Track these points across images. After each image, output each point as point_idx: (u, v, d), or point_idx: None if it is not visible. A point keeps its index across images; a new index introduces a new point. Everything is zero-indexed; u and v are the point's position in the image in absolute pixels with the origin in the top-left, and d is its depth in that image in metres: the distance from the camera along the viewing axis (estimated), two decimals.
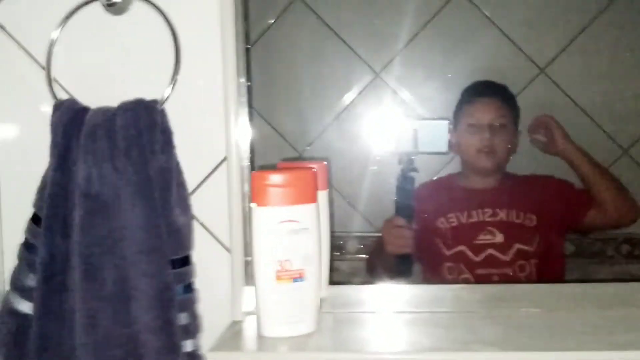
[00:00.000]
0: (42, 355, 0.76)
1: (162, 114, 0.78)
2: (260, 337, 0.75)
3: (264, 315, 0.75)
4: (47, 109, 0.80)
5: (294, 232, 0.74)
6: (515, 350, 0.70)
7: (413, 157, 1.40)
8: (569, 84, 1.81)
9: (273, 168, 0.84)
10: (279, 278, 0.74)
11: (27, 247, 0.79)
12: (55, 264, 0.76)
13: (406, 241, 1.44)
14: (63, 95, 0.82)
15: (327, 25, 1.83)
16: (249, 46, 0.85)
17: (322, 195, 0.84)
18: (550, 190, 1.58)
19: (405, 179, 1.41)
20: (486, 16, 1.79)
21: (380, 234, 1.64)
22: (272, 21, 1.84)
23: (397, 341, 0.77)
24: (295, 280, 0.74)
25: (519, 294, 0.88)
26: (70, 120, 0.77)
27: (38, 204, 0.79)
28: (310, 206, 0.75)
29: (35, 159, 0.80)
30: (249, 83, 0.85)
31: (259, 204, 0.74)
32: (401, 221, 1.44)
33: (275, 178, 0.74)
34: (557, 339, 0.73)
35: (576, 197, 1.55)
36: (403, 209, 1.45)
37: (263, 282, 0.75)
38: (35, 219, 0.79)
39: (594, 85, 1.81)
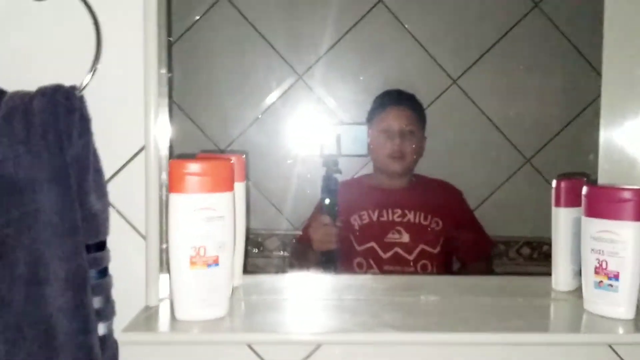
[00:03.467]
0: None
1: (81, 100, 0.78)
2: (174, 320, 0.78)
3: (177, 299, 0.78)
4: None
5: (209, 219, 0.77)
6: (411, 332, 0.75)
7: (337, 159, 1.46)
8: (478, 95, 1.92)
9: (192, 158, 0.86)
10: (193, 264, 0.77)
11: None
12: None
13: (332, 238, 1.50)
14: None
15: (252, 25, 1.86)
16: (171, 39, 0.87)
17: (240, 187, 0.88)
18: (454, 197, 1.70)
19: (330, 180, 1.47)
20: (405, 27, 1.88)
21: (300, 233, 1.70)
22: (198, 18, 1.85)
23: (305, 324, 0.81)
24: (210, 266, 0.77)
25: (420, 283, 0.94)
26: None
27: None
28: (227, 195, 0.79)
29: None
30: (170, 74, 0.87)
31: (176, 192, 0.77)
32: (328, 219, 1.49)
33: (193, 166, 0.76)
34: (450, 322, 0.80)
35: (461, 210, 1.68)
36: (328, 208, 1.51)
37: (178, 268, 0.77)
38: None
39: (501, 98, 1.93)
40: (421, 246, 1.58)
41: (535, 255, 1.95)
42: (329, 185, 1.48)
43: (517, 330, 0.77)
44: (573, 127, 1.91)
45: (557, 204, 0.91)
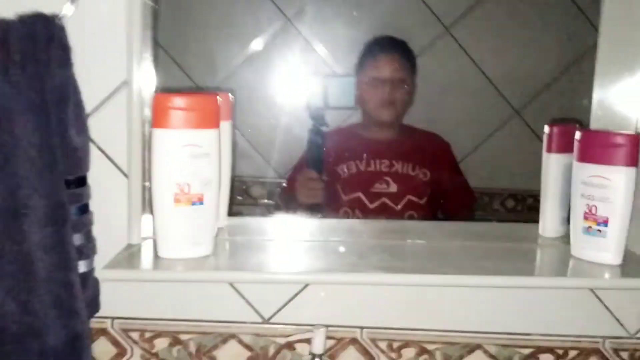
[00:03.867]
0: None
1: (62, 29, 0.75)
2: (157, 258, 0.76)
3: (161, 237, 0.76)
4: None
5: (194, 156, 0.75)
6: (398, 273, 0.75)
7: (323, 113, 1.44)
8: (471, 45, 1.89)
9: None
10: (177, 201, 0.75)
11: None
12: None
13: (318, 192, 1.49)
14: None
15: None
16: None
17: (226, 125, 0.85)
18: (442, 149, 1.68)
19: (316, 133, 1.45)
20: None
21: (284, 181, 1.68)
22: None
23: (292, 264, 0.80)
24: (194, 204, 0.76)
25: (406, 228, 0.93)
26: None
27: None
28: (213, 132, 0.76)
29: None
30: (155, 6, 0.83)
31: (161, 127, 0.74)
32: (313, 174, 1.47)
33: (178, 101, 0.74)
34: (437, 264, 0.79)
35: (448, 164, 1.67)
36: (314, 162, 1.49)
37: (161, 205, 0.75)
38: None
39: (494, 49, 1.90)
40: (408, 196, 1.57)
41: (519, 208, 1.96)
42: (316, 139, 1.46)
43: (503, 273, 0.77)
44: (565, 81, 1.89)
45: (549, 150, 0.90)
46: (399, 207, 1.56)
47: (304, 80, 1.74)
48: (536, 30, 1.87)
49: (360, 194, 1.57)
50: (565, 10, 1.84)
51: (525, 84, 1.92)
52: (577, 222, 0.82)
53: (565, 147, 0.88)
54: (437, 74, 1.87)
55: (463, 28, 1.87)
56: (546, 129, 0.91)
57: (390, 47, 1.68)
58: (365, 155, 1.60)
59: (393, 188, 1.57)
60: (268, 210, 1.87)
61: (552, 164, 0.90)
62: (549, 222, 0.92)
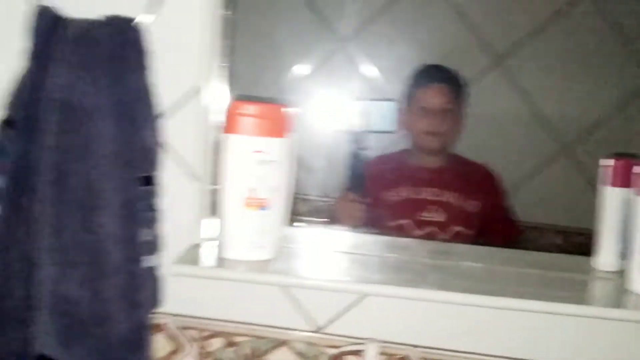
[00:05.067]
0: (5, 255, 0.77)
1: (142, 33, 0.79)
2: (221, 259, 0.79)
3: (227, 237, 0.78)
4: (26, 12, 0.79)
5: (264, 162, 0.77)
6: (455, 291, 0.75)
7: (364, 135, 1.46)
8: (524, 78, 1.89)
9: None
10: (247, 205, 0.77)
11: None
12: (26, 167, 0.77)
13: (357, 215, 1.50)
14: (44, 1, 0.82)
15: None
16: None
17: (293, 136, 0.88)
18: (491, 181, 1.68)
19: (356, 156, 1.47)
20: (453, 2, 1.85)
21: (327, 199, 1.70)
22: None
23: (350, 275, 0.82)
24: (262, 208, 0.78)
25: (462, 251, 0.94)
26: (49, 26, 0.77)
27: (12, 107, 0.79)
28: (281, 140, 0.79)
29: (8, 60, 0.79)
30: (232, 15, 0.86)
31: (232, 132, 0.77)
32: (353, 197, 1.49)
33: (250, 108, 0.77)
34: (495, 286, 0.80)
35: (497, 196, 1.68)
36: (354, 185, 1.50)
37: (231, 207, 0.78)
38: (7, 122, 0.79)
39: (548, 84, 1.90)
40: (456, 226, 1.57)
41: (567, 245, 1.93)
42: (356, 162, 1.48)
43: (558, 300, 0.77)
44: (618, 119, 1.87)
45: (608, 183, 0.90)
46: (447, 235, 1.56)
47: (348, 103, 1.76)
48: (591, 66, 1.86)
49: (407, 221, 1.57)
50: (621, 48, 1.84)
51: (578, 121, 1.91)
52: (636, 257, 0.82)
53: (624, 181, 0.88)
54: (488, 104, 1.87)
55: (516, 59, 1.88)
56: (605, 162, 0.91)
57: (440, 76, 1.69)
58: (413, 182, 1.61)
59: (441, 217, 1.57)
60: (318, 226, 1.88)
61: (610, 197, 0.90)
62: (603, 255, 0.91)
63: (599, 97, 1.89)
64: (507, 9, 1.87)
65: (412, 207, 1.58)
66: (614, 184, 0.90)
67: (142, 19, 0.77)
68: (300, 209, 1.88)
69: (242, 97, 0.87)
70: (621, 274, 0.86)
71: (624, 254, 0.88)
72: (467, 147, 1.70)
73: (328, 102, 1.85)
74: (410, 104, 1.63)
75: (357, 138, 1.47)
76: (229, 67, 0.89)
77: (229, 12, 0.86)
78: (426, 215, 1.56)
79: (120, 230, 0.76)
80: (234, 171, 0.78)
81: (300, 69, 1.88)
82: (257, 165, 0.77)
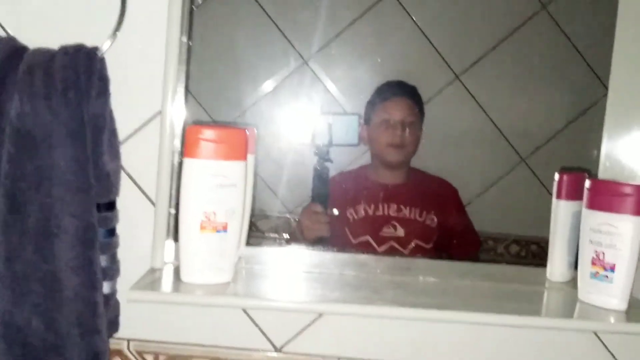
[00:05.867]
0: None
1: (102, 61, 0.79)
2: (179, 282, 0.79)
3: (185, 261, 0.79)
4: None
5: (221, 186, 0.78)
6: (412, 307, 0.77)
7: (328, 148, 1.48)
8: (479, 92, 1.94)
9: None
10: (203, 228, 0.78)
11: None
12: None
13: (322, 226, 1.51)
14: (1, 34, 0.82)
15: (264, 9, 1.86)
16: (194, 6, 0.88)
17: (250, 158, 0.89)
18: (450, 195, 1.72)
19: (321, 169, 1.49)
20: (412, 19, 1.89)
21: (291, 215, 1.71)
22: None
23: (307, 294, 0.83)
24: (219, 231, 0.79)
25: (418, 265, 0.96)
26: (8, 57, 0.78)
27: None
28: (240, 163, 0.80)
29: None
30: (190, 43, 0.88)
31: (191, 157, 0.78)
32: (317, 208, 1.51)
33: (209, 133, 0.78)
34: (449, 301, 0.82)
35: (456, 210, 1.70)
36: (319, 197, 1.52)
37: (187, 231, 0.78)
38: None
39: (502, 97, 1.95)
40: (415, 241, 1.60)
41: (523, 253, 1.98)
42: (320, 174, 1.50)
43: (512, 313, 0.80)
44: (571, 132, 1.93)
45: (559, 196, 0.93)
46: (407, 251, 1.59)
47: (311, 118, 1.79)
48: (545, 81, 1.92)
49: (368, 237, 1.59)
50: (574, 63, 1.90)
51: (532, 133, 1.97)
52: (585, 268, 0.85)
53: (574, 194, 0.92)
54: (446, 119, 1.92)
55: (473, 76, 1.93)
56: (557, 176, 0.95)
57: (401, 91, 1.74)
58: (373, 199, 1.63)
59: (401, 232, 1.60)
60: (278, 244, 1.89)
61: (562, 210, 0.94)
62: (556, 266, 0.95)
63: (554, 109, 1.96)
64: (464, 27, 1.92)
65: (373, 223, 1.60)
66: (565, 197, 0.94)
67: (101, 46, 0.78)
68: (262, 227, 1.90)
69: (199, 122, 0.88)
70: (573, 284, 0.90)
71: (575, 264, 0.91)
72: (428, 161, 1.74)
73: (292, 117, 1.88)
74: (372, 118, 1.67)
75: (321, 152, 1.50)
76: (187, 92, 0.90)
77: (186, 38, 0.87)
78: (386, 231, 1.59)
79: (76, 257, 0.75)
80: (192, 195, 0.78)
81: (263, 88, 1.89)
82: (215, 189, 0.78)
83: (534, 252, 1.91)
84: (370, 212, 1.62)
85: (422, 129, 1.71)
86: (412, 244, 1.59)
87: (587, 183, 0.85)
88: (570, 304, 0.86)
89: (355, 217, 1.62)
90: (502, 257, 1.96)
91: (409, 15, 1.89)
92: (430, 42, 1.90)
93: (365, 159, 1.73)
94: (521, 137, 1.94)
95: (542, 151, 1.93)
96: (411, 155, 1.68)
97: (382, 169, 1.67)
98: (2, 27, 0.83)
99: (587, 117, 1.88)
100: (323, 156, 1.49)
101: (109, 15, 0.81)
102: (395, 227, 1.60)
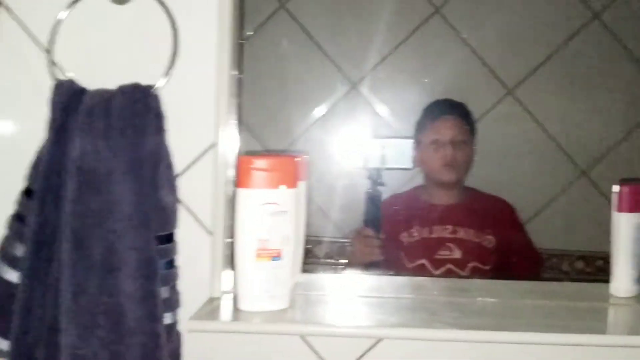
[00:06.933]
0: (25, 321, 0.80)
1: (157, 98, 0.83)
2: (237, 311, 0.81)
3: (242, 290, 0.81)
4: (47, 89, 0.83)
5: (275, 213, 0.80)
6: (470, 329, 0.76)
7: (381, 172, 1.48)
8: (534, 106, 1.91)
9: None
10: (259, 256, 0.80)
11: (18, 219, 0.83)
12: (45, 234, 0.80)
13: (374, 250, 1.51)
14: (62, 77, 0.87)
15: (309, 35, 1.89)
16: (242, 41, 0.91)
17: (302, 185, 0.90)
18: (507, 214, 1.68)
19: (373, 193, 1.49)
20: (460, 37, 1.89)
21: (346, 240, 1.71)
22: (251, 33, 1.89)
23: (366, 319, 0.83)
24: (274, 259, 0.80)
25: (478, 287, 0.94)
26: (69, 99, 0.82)
27: (31, 177, 0.83)
28: (291, 191, 0.81)
29: (31, 136, 0.84)
30: (240, 75, 0.90)
31: (243, 186, 0.80)
32: (369, 232, 1.50)
33: (260, 162, 0.80)
34: (508, 322, 0.80)
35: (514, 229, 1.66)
36: (371, 221, 1.52)
37: (243, 259, 0.80)
38: (27, 192, 0.83)
39: (557, 110, 1.91)
40: (473, 263, 1.57)
41: (589, 269, 1.92)
42: (372, 199, 1.50)
43: (577, 332, 0.77)
44: (630, 142, 1.87)
45: (619, 209, 0.91)
46: (464, 273, 1.56)
47: (363, 142, 1.80)
48: (601, 90, 1.87)
49: (424, 261, 1.57)
50: (630, 71, 1.85)
51: (591, 145, 1.91)
52: None
53: (635, 206, 0.89)
54: (501, 135, 1.89)
55: (527, 90, 1.90)
56: (615, 188, 0.92)
57: (450, 109, 1.72)
58: (428, 221, 1.61)
59: (457, 254, 1.57)
60: (333, 269, 1.89)
61: (623, 223, 0.91)
62: (620, 281, 0.92)
63: (612, 119, 1.90)
64: (515, 38, 1.90)
65: (428, 246, 1.58)
66: (625, 210, 0.91)
67: (155, 83, 0.81)
68: (316, 252, 1.91)
69: (251, 152, 0.91)
70: (639, 299, 0.86)
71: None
72: (483, 179, 1.72)
73: (343, 142, 1.89)
74: (422, 139, 1.66)
75: (374, 176, 1.50)
76: (240, 123, 0.92)
77: (236, 72, 0.89)
78: (442, 254, 1.57)
79: (139, 289, 0.78)
80: (245, 224, 0.80)
81: (313, 114, 1.92)
82: (268, 217, 0.80)
83: (600, 267, 1.84)
84: (425, 234, 1.60)
85: (474, 146, 1.68)
86: (470, 266, 1.56)
87: None
88: (636, 320, 0.83)
89: (410, 240, 1.61)
90: (568, 274, 1.90)
91: (457, 32, 1.89)
92: (480, 58, 1.88)
93: (418, 180, 1.72)
94: (580, 149, 1.90)
95: (602, 163, 1.88)
96: (465, 174, 1.66)
97: (436, 190, 1.65)
98: (62, 71, 0.87)
99: None
100: (375, 180, 1.49)
101: (162, 54, 0.84)
102: (451, 250, 1.57)
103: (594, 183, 1.90)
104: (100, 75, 0.85)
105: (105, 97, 0.81)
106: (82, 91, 0.83)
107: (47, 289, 0.80)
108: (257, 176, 0.80)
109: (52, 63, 0.85)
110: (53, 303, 0.79)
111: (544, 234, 1.77)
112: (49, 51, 0.85)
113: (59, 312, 0.78)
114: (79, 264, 0.78)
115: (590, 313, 0.86)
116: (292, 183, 0.81)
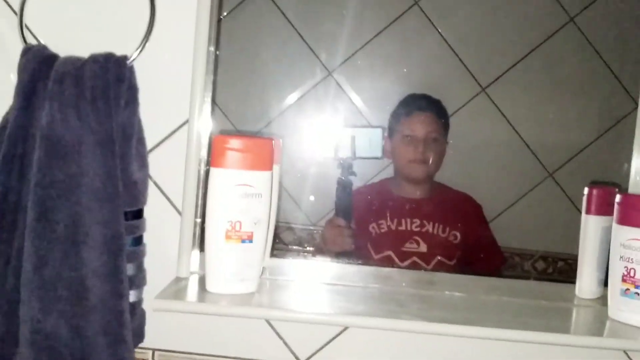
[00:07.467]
0: None
1: (131, 70, 0.80)
2: (204, 292, 0.79)
3: (210, 271, 0.79)
4: (16, 53, 0.80)
5: (247, 195, 0.78)
6: (438, 322, 0.76)
7: (352, 161, 1.47)
8: (506, 105, 1.92)
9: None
10: (228, 237, 0.78)
11: None
12: (8, 203, 0.78)
13: (345, 240, 1.51)
14: (33, 42, 0.83)
15: (288, 20, 1.87)
16: (221, 16, 0.89)
17: (275, 169, 0.89)
18: (474, 211, 1.69)
19: (344, 181, 1.48)
20: (438, 32, 1.88)
21: (314, 228, 1.70)
22: (225, 14, 1.86)
23: (332, 307, 0.82)
24: (244, 241, 0.79)
25: (445, 280, 0.95)
26: (38, 65, 0.79)
27: None
28: (266, 174, 0.80)
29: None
30: (217, 52, 0.88)
31: (217, 166, 0.78)
32: (341, 221, 1.50)
33: (236, 143, 0.78)
34: (477, 316, 0.81)
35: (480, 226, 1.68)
36: (342, 210, 1.52)
37: (213, 240, 0.78)
38: None
39: (529, 110, 1.93)
40: (438, 257, 1.58)
41: (550, 270, 1.94)
42: (344, 187, 1.49)
43: (540, 329, 0.78)
44: (599, 145, 1.90)
45: (588, 211, 0.92)
46: (429, 266, 1.57)
47: (335, 130, 1.78)
48: (573, 94, 1.89)
49: (390, 253, 1.58)
50: (602, 76, 1.87)
51: (560, 147, 1.94)
52: (615, 285, 0.83)
53: (604, 209, 0.90)
54: (472, 132, 1.90)
55: (500, 88, 1.91)
56: (586, 190, 0.93)
57: (425, 105, 1.72)
58: (396, 214, 1.62)
59: (423, 248, 1.58)
60: (302, 256, 1.88)
61: (591, 226, 0.92)
62: (585, 283, 0.93)
63: (583, 123, 1.92)
64: (490, 38, 1.91)
65: (395, 238, 1.59)
66: (594, 212, 0.92)
67: (130, 54, 0.79)
68: (286, 238, 1.89)
69: (225, 132, 0.89)
70: (603, 301, 0.88)
71: (605, 281, 0.89)
72: (452, 174, 1.72)
73: (316, 130, 1.87)
74: (395, 132, 1.65)
75: (345, 165, 1.49)
76: (214, 102, 0.90)
77: (214, 48, 0.87)
78: (409, 247, 1.57)
79: (104, 266, 0.76)
80: (218, 204, 0.79)
81: (288, 100, 1.90)
82: (241, 199, 0.78)
83: (561, 269, 1.87)
84: (393, 227, 1.61)
85: (446, 143, 1.69)
86: (435, 260, 1.57)
87: (618, 197, 0.83)
88: (600, 321, 0.84)
89: (378, 231, 1.61)
90: (529, 273, 1.92)
91: (434, 26, 1.88)
92: (456, 54, 1.89)
93: (389, 171, 1.72)
94: (548, 151, 1.92)
95: (570, 165, 1.90)
96: (435, 171, 1.66)
97: (405, 184, 1.66)
98: (34, 35, 0.84)
99: (616, 131, 1.85)
100: (346, 169, 1.48)
101: (138, 25, 0.81)
102: (418, 243, 1.58)
103: (560, 185, 1.93)
104: (73, 43, 0.82)
105: (77, 65, 0.78)
106: (53, 57, 0.80)
107: (7, 259, 0.77)
108: (232, 156, 0.78)
109: (23, 27, 0.82)
110: (13, 274, 0.77)
111: (508, 233, 1.79)
112: (19, 13, 0.82)
113: (21, 283, 0.75)
114: (42, 235, 0.75)
115: (555, 312, 0.87)
116: (267, 166, 0.80)
